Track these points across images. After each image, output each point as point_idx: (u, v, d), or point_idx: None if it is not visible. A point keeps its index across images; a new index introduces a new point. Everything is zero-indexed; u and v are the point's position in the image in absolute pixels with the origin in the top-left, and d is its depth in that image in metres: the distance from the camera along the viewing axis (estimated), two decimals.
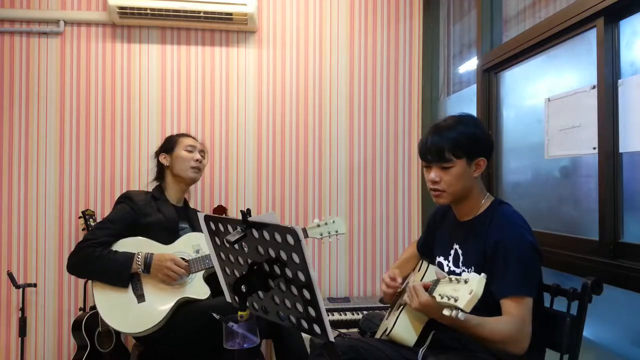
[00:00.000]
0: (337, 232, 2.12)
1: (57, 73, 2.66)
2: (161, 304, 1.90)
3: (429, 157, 1.46)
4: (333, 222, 2.13)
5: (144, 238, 2.01)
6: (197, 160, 2.19)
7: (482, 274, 1.17)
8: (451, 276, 1.23)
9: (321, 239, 2.14)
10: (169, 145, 2.22)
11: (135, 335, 1.94)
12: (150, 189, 2.23)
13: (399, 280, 1.63)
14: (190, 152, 2.19)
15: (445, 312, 1.19)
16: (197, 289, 1.96)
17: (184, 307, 1.92)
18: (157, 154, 2.25)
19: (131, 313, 1.88)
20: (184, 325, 1.87)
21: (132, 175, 2.71)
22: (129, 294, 1.92)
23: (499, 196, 2.26)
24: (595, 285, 1.34)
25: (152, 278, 1.93)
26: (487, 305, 1.35)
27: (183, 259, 1.97)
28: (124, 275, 1.90)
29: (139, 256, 1.92)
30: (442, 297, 1.19)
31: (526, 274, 1.33)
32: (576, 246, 1.70)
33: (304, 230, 2.14)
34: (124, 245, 1.98)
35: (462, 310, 1.14)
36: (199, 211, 2.33)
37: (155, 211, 2.07)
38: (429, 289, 1.27)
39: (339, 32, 2.89)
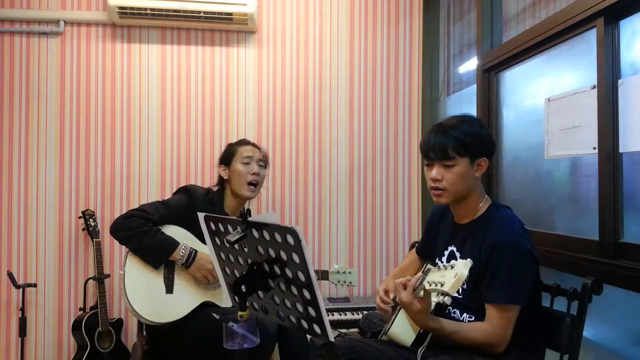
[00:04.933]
0: (350, 283, 2.23)
1: (57, 73, 2.66)
2: (186, 301, 1.92)
3: (432, 154, 1.44)
4: (350, 273, 2.22)
5: (188, 232, 2.00)
6: (253, 174, 2.08)
7: (468, 259, 1.20)
8: (439, 264, 1.25)
9: (335, 285, 2.24)
10: (227, 156, 2.14)
11: (150, 324, 1.90)
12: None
13: (392, 296, 1.62)
14: (247, 164, 2.09)
15: (434, 298, 1.21)
16: (225, 296, 1.97)
17: (203, 309, 1.93)
18: (218, 164, 2.18)
19: (156, 301, 1.89)
20: (197, 327, 1.88)
21: (132, 175, 2.71)
22: (159, 280, 1.92)
23: (499, 196, 2.26)
24: (595, 285, 1.35)
25: (187, 273, 1.94)
26: (481, 306, 1.36)
27: None
28: (163, 258, 1.91)
29: (184, 248, 1.92)
30: (430, 285, 1.22)
31: (516, 283, 1.33)
32: (576, 246, 1.70)
33: (326, 273, 2.20)
34: (169, 230, 1.97)
35: (447, 295, 1.16)
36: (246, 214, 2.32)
37: None
38: (420, 278, 1.28)
39: (339, 32, 2.89)
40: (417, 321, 1.32)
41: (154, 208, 1.97)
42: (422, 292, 1.25)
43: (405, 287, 1.30)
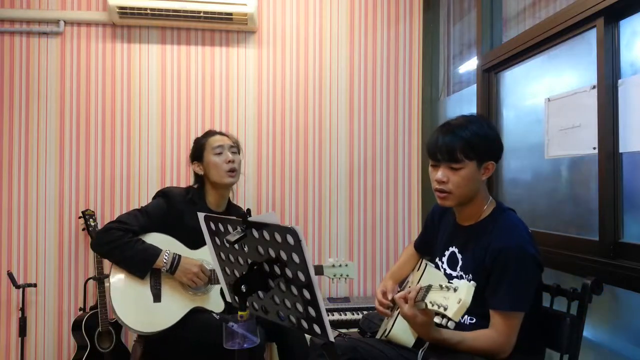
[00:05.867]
0: (348, 276, 2.18)
1: (57, 73, 2.66)
2: (176, 309, 1.88)
3: (439, 156, 1.40)
4: (347, 265, 2.18)
5: (171, 237, 1.97)
6: (229, 161, 2.04)
7: (472, 282, 1.17)
8: (442, 283, 1.22)
9: (332, 279, 2.19)
10: (197, 152, 2.10)
11: (141, 334, 1.91)
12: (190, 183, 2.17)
13: (390, 296, 1.61)
14: (220, 154, 2.05)
15: (436, 319, 1.19)
16: (214, 301, 1.95)
17: (195, 314, 1.90)
18: (190, 161, 2.14)
19: (144, 311, 1.86)
20: (191, 332, 1.86)
21: (132, 175, 2.71)
22: (146, 290, 1.89)
23: (499, 196, 2.26)
24: (595, 285, 1.34)
25: (173, 280, 1.91)
26: (483, 308, 1.35)
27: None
28: (147, 267, 1.87)
29: (167, 254, 1.89)
30: (432, 305, 1.19)
31: (521, 290, 1.32)
32: (576, 246, 1.70)
33: (320, 268, 2.15)
34: (151, 239, 1.94)
35: (451, 319, 1.14)
36: (241, 209, 2.29)
37: (190, 216, 1.94)
38: (420, 294, 1.26)
39: (339, 32, 2.89)
40: (420, 333, 1.30)
41: (132, 218, 1.93)
42: (424, 304, 1.23)
43: (406, 300, 1.27)
